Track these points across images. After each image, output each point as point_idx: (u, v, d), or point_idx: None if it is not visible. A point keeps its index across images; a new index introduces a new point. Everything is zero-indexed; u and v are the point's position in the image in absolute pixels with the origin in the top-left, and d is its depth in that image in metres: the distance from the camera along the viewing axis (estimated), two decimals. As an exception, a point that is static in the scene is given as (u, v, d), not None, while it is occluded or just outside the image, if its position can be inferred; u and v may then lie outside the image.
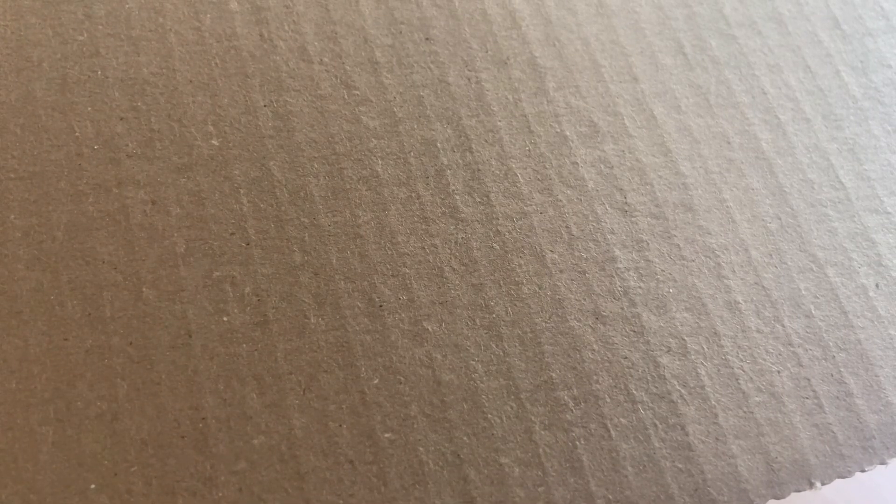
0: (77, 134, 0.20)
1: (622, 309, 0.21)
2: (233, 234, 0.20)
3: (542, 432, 0.19)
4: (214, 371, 0.19)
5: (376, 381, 0.19)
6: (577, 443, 0.19)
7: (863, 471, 0.20)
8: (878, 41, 0.27)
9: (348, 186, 0.21)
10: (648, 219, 0.22)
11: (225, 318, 0.19)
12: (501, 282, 0.21)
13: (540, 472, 0.19)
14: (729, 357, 0.21)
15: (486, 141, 0.23)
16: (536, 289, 0.21)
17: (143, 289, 0.19)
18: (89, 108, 0.21)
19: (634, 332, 0.21)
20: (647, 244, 0.22)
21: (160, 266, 0.19)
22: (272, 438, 0.18)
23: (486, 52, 0.24)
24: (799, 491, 0.20)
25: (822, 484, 0.20)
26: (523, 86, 0.24)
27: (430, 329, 0.20)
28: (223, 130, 0.21)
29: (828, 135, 0.25)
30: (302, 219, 0.21)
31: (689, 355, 0.21)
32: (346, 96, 0.22)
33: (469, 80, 0.23)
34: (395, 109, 0.22)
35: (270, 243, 0.20)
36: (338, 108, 0.22)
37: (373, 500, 0.18)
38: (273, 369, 0.19)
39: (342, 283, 0.20)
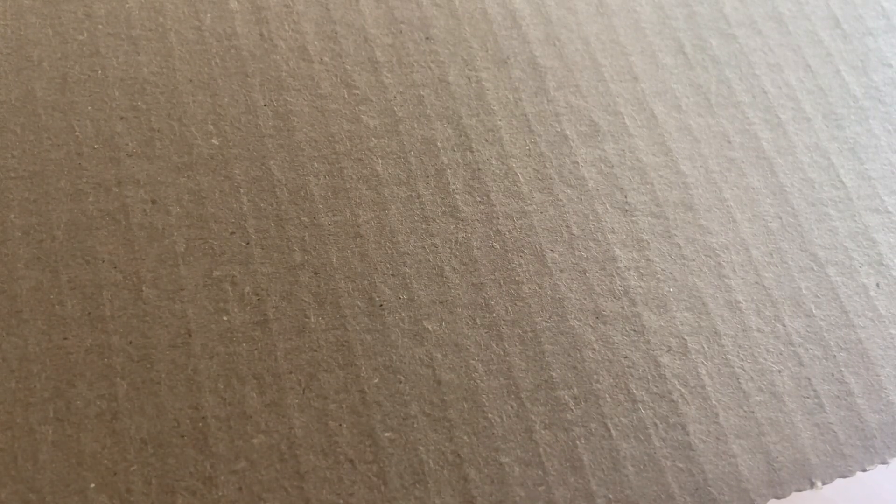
0: (77, 133, 0.20)
1: (622, 308, 0.21)
2: (233, 233, 0.20)
3: (543, 431, 0.19)
4: (214, 370, 0.19)
5: (376, 381, 0.19)
6: (578, 442, 0.19)
7: (864, 470, 0.20)
8: (878, 40, 0.27)
9: (348, 186, 0.21)
10: (649, 218, 0.22)
11: (225, 318, 0.19)
12: (502, 281, 0.21)
13: (540, 472, 0.19)
14: (729, 356, 0.21)
15: (486, 140, 0.23)
16: (537, 288, 0.21)
17: (143, 288, 0.19)
18: (89, 108, 0.21)
19: (635, 331, 0.21)
20: (648, 243, 0.22)
21: (160, 265, 0.19)
22: (272, 438, 0.18)
23: (487, 51, 0.24)
24: (800, 490, 0.20)
25: (824, 483, 0.20)
26: (523, 85, 0.24)
27: (431, 328, 0.20)
28: (223, 129, 0.21)
29: (828, 134, 0.25)
30: (302, 218, 0.21)
31: (690, 355, 0.21)
32: (346, 95, 0.22)
33: (469, 79, 0.23)
34: (395, 109, 0.22)
35: (270, 242, 0.20)
36: (338, 108, 0.22)
37: (373, 499, 0.18)
38: (273, 368, 0.19)
39: (342, 282, 0.20)
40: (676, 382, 0.20)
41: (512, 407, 0.19)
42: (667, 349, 0.21)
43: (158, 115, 0.21)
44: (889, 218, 0.24)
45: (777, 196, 0.24)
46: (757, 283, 0.22)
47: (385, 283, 0.20)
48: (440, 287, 0.20)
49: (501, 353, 0.20)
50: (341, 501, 0.18)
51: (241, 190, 0.21)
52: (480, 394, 0.19)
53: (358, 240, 0.21)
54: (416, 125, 0.22)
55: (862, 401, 0.21)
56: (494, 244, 0.21)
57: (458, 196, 0.22)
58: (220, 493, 0.17)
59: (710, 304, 0.22)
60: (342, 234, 0.21)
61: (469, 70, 0.23)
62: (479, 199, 0.22)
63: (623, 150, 0.23)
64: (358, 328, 0.20)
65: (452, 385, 0.19)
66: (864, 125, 0.25)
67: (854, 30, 0.27)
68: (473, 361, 0.20)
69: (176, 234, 0.20)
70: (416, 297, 0.20)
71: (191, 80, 0.22)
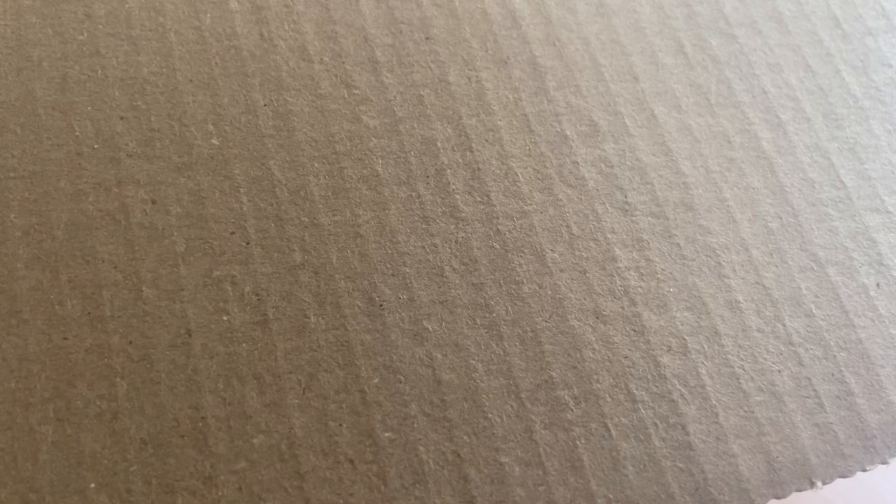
0: (77, 133, 0.20)
1: (623, 308, 0.21)
2: (233, 233, 0.20)
3: (543, 431, 0.19)
4: (214, 370, 0.19)
5: (376, 381, 0.19)
6: (578, 442, 0.19)
7: (864, 470, 0.20)
8: (878, 40, 0.27)
9: (348, 186, 0.21)
10: (649, 218, 0.22)
11: (225, 318, 0.19)
12: (502, 281, 0.21)
13: (540, 472, 0.19)
14: (730, 356, 0.21)
15: (486, 140, 0.23)
16: (537, 288, 0.21)
17: (143, 288, 0.19)
18: (89, 108, 0.21)
19: (635, 331, 0.21)
20: (648, 243, 0.22)
21: (160, 265, 0.19)
22: (272, 437, 0.18)
23: (487, 51, 0.24)
24: (800, 490, 0.20)
25: (824, 483, 0.20)
26: (523, 85, 0.24)
27: (431, 328, 0.20)
28: (223, 129, 0.21)
29: (828, 134, 0.25)
30: (302, 218, 0.21)
31: (690, 354, 0.21)
32: (346, 95, 0.22)
33: (469, 79, 0.23)
34: (395, 109, 0.22)
35: (270, 242, 0.20)
36: (338, 108, 0.22)
37: (373, 499, 0.18)
38: (273, 368, 0.19)
39: (342, 282, 0.20)
40: (676, 382, 0.20)
41: (512, 407, 0.19)
42: (667, 349, 0.21)
43: (158, 115, 0.21)
44: (889, 218, 0.24)
45: (777, 196, 0.24)
46: (757, 283, 0.22)
47: (385, 283, 0.20)
48: (440, 287, 0.20)
49: (501, 353, 0.20)
50: (341, 501, 0.18)
51: (241, 190, 0.21)
52: (480, 394, 0.19)
53: (358, 240, 0.21)
54: (416, 125, 0.22)
55: (862, 401, 0.21)
56: (494, 244, 0.21)
57: (458, 196, 0.22)
58: (220, 493, 0.17)
59: (710, 304, 0.22)
60: (342, 234, 0.21)
61: (469, 70, 0.23)
62: (479, 199, 0.22)
63: (623, 150, 0.23)
64: (358, 328, 0.20)
65: (452, 385, 0.19)
66: (864, 125, 0.25)
67: (854, 30, 0.27)
68: (473, 361, 0.20)
69: (176, 234, 0.20)
70: (416, 297, 0.20)
71: (191, 80, 0.22)
